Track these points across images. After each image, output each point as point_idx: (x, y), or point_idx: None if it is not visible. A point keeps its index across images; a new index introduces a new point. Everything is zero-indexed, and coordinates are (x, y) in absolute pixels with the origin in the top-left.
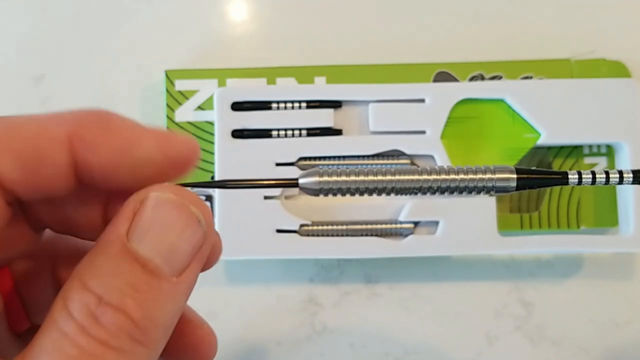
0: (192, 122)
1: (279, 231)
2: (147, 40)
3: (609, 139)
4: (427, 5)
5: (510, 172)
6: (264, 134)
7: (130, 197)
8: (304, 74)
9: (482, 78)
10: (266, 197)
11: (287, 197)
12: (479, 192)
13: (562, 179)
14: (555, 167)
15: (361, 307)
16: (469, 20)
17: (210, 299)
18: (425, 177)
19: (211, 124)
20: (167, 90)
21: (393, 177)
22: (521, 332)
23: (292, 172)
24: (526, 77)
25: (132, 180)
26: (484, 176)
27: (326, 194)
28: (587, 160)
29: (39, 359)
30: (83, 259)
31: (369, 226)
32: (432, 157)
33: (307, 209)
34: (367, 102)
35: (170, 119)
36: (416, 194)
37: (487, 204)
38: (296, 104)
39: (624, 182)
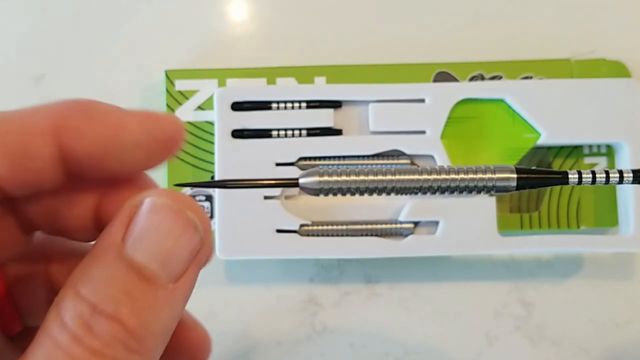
0: (192, 122)
1: (279, 231)
2: (147, 40)
3: (609, 139)
4: (427, 5)
5: (511, 171)
6: (264, 134)
7: (126, 202)
8: (304, 74)
9: (482, 78)
10: (266, 197)
11: (287, 197)
12: (479, 192)
13: (562, 178)
14: (555, 167)
15: (361, 307)
16: (469, 20)
17: (210, 299)
18: (425, 177)
19: (211, 124)
20: (167, 90)
21: (393, 177)
22: (521, 332)
23: (292, 172)
24: (526, 77)
25: (121, 166)
26: (484, 176)
27: (326, 194)
28: (587, 160)
29: None
30: (77, 267)
31: (369, 226)
32: (432, 157)
33: (307, 209)
34: (367, 102)
35: None
36: (416, 193)
37: (487, 204)
38: (296, 104)
39: (624, 182)
